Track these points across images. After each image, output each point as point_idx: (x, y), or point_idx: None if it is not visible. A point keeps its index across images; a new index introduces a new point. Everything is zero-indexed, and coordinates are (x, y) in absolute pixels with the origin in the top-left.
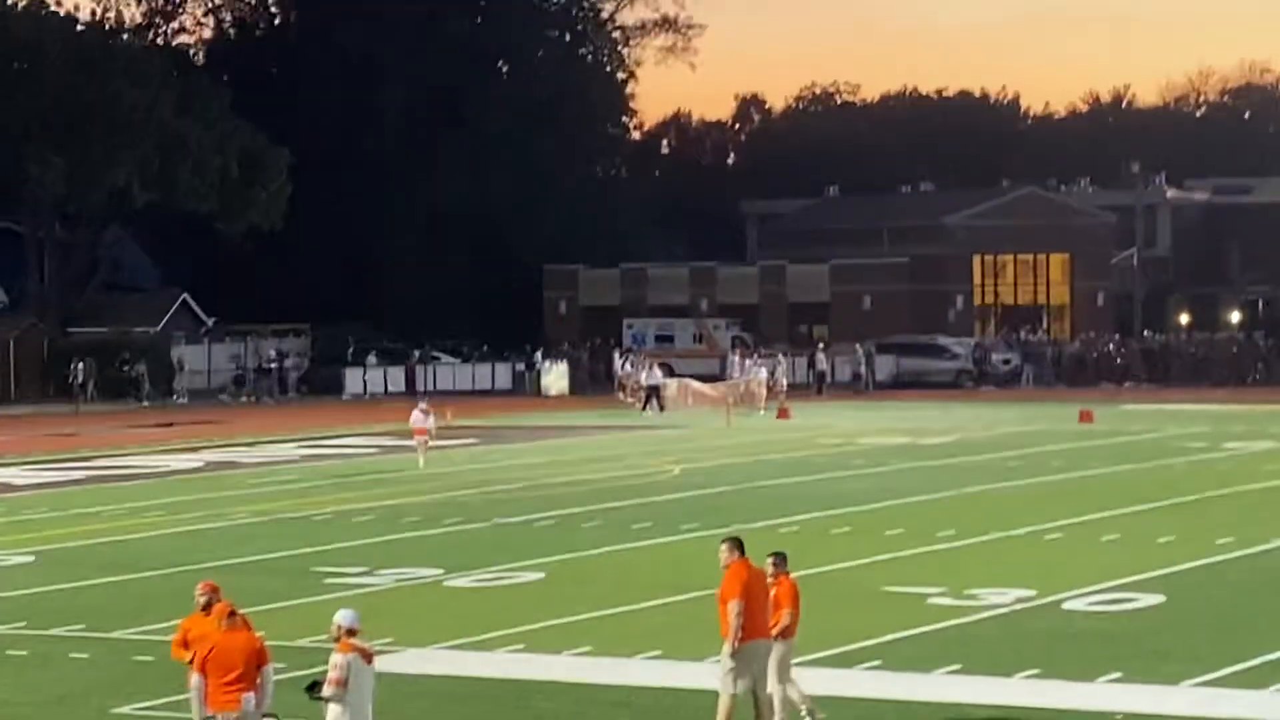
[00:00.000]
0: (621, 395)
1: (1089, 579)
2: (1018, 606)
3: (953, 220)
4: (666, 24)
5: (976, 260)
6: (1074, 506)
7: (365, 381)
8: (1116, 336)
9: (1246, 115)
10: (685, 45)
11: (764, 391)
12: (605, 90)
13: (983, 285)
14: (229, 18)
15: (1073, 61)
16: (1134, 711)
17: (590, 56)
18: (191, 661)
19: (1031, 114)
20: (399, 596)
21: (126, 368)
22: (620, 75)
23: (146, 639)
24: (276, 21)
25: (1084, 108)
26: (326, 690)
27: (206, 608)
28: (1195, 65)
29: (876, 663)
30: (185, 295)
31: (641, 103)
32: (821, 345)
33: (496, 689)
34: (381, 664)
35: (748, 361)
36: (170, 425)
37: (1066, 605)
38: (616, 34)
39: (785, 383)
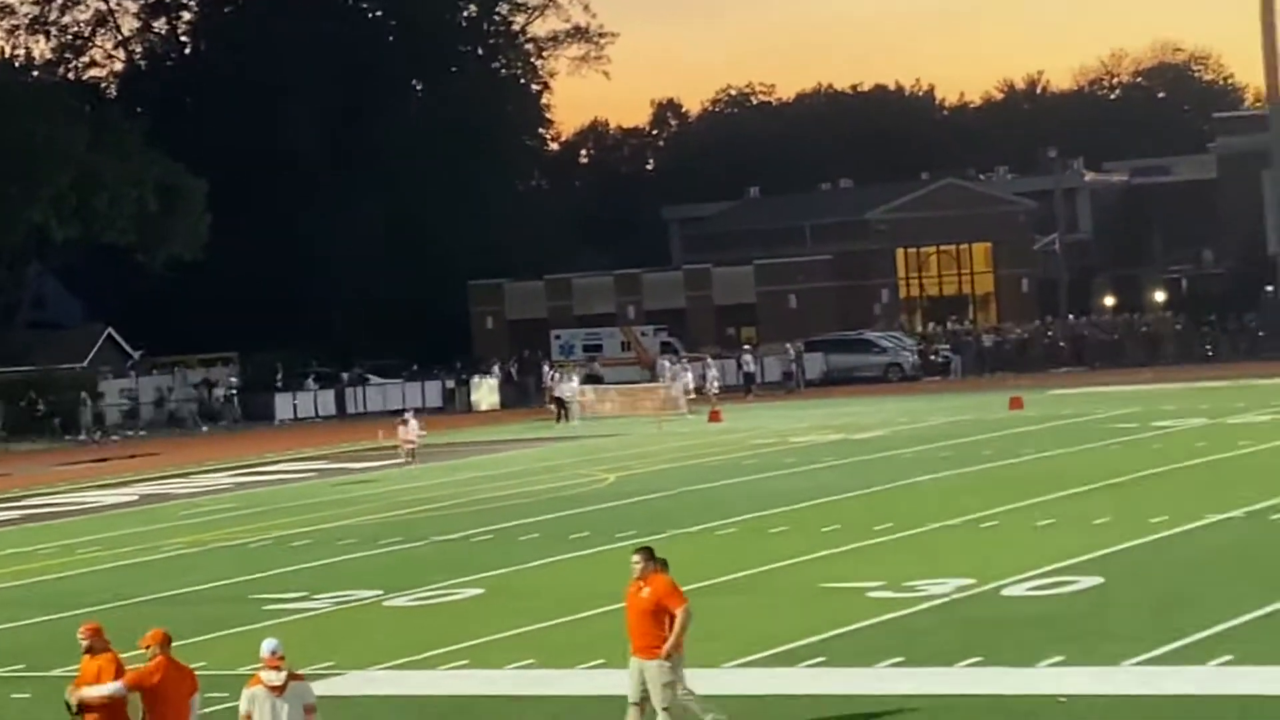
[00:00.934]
0: (551, 407)
1: (1027, 564)
2: (957, 595)
3: (874, 215)
4: (578, 34)
5: (900, 253)
6: (1008, 493)
7: (295, 406)
8: (1040, 322)
9: (1161, 95)
10: (598, 54)
11: (685, 397)
12: (521, 103)
13: (907, 278)
14: (139, 49)
15: (985, 50)
16: (1077, 693)
17: (504, 70)
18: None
19: (946, 105)
20: (339, 619)
21: (38, 408)
22: (535, 87)
23: None
24: (187, 51)
25: (999, 96)
26: None
27: (89, 650)
28: (1107, 48)
29: (819, 659)
30: (109, 329)
31: (558, 113)
32: (747, 346)
33: (441, 706)
34: (324, 688)
35: (675, 367)
36: (104, 460)
37: (1005, 591)
38: (529, 46)
39: (718, 385)
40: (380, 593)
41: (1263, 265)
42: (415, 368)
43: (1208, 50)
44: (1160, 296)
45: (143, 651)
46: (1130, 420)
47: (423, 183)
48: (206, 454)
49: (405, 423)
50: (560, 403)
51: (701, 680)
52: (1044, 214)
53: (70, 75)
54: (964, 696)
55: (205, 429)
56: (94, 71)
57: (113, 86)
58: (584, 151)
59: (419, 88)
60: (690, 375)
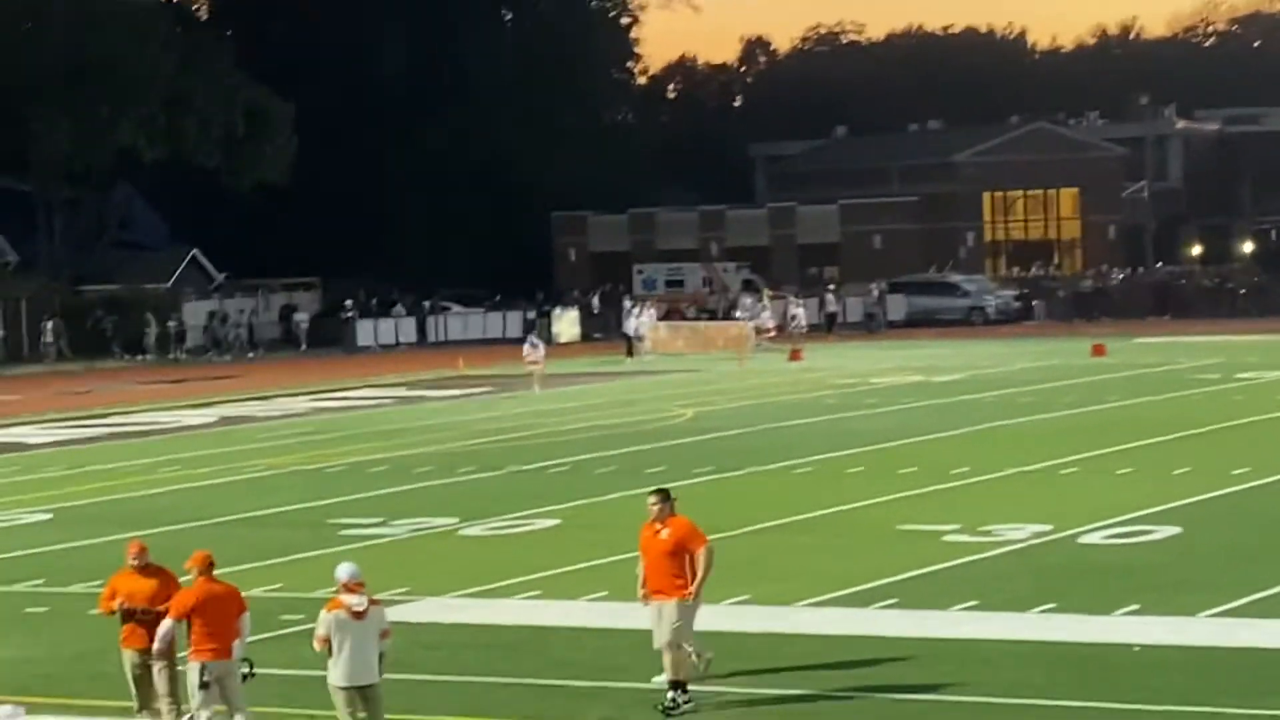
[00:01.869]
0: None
1: (1105, 513)
2: (1033, 541)
3: (961, 158)
4: None
5: (986, 197)
6: (1088, 441)
7: (376, 333)
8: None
9: (1256, 44)
10: None
11: (764, 335)
12: (610, 36)
13: (993, 222)
14: None
15: None
16: (1152, 643)
17: (594, 2)
18: (133, 612)
19: (1038, 49)
20: (414, 546)
21: (103, 327)
22: (624, 20)
23: None
24: None
25: (1091, 41)
26: (316, 646)
27: (141, 569)
28: None
29: (893, 601)
30: (195, 251)
31: (646, 47)
32: (831, 286)
33: (513, 636)
34: (397, 614)
35: (756, 305)
36: (182, 381)
37: (1082, 539)
38: None
39: (805, 324)
40: (456, 521)
41: None
42: (497, 298)
43: None
44: (1248, 248)
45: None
46: (1213, 371)
47: (509, 113)
48: (287, 378)
49: (535, 346)
50: (629, 338)
51: (774, 619)
52: (1134, 161)
53: None
54: (1038, 643)
55: (288, 352)
56: None
57: (204, 9)
58: (671, 86)
59: (508, 17)
60: (770, 313)
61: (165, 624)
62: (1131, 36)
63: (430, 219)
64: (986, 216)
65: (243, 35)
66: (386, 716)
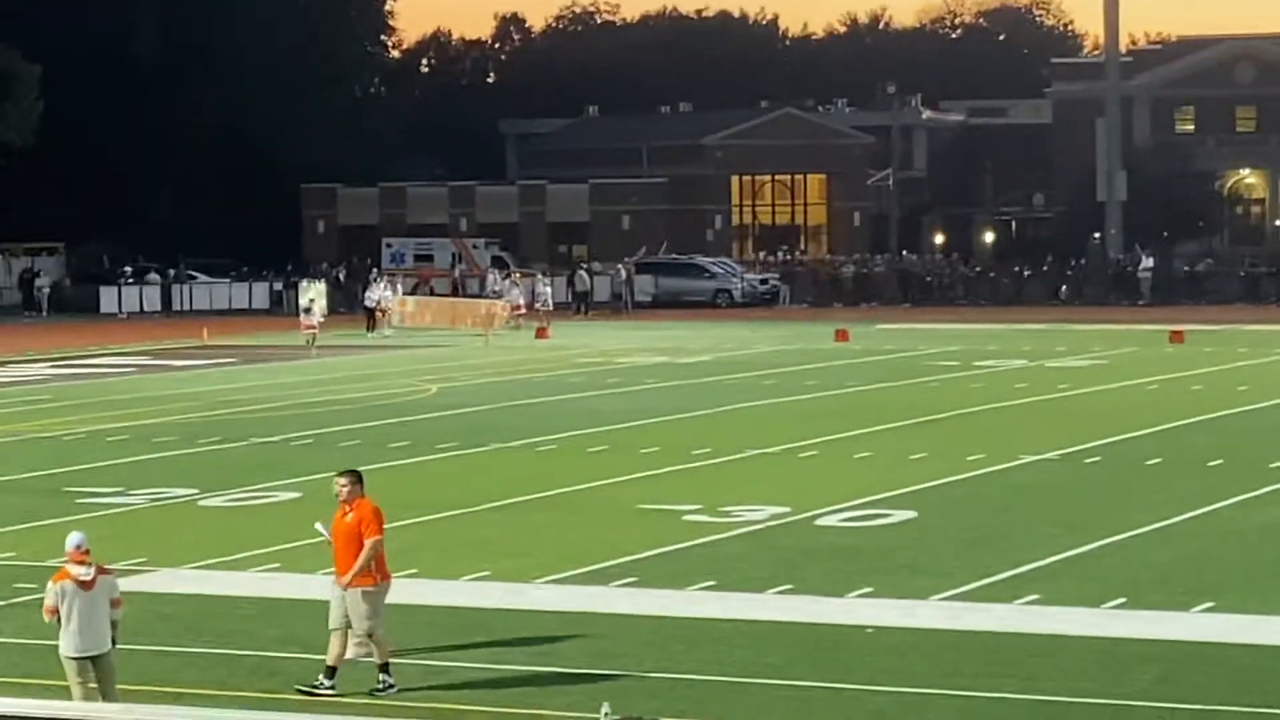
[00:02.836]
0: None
1: (842, 495)
2: (772, 523)
3: (711, 140)
4: None
5: (735, 180)
6: (828, 425)
7: (120, 301)
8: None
9: (1001, 37)
10: None
11: (505, 313)
12: (364, 8)
13: (741, 205)
14: None
15: None
16: (884, 624)
17: None
18: None
19: (790, 35)
20: (153, 516)
21: None
22: None
23: None
24: None
25: (842, 29)
26: (45, 617)
27: None
28: None
29: (632, 579)
30: None
31: (401, 21)
32: (586, 265)
33: (250, 607)
34: (133, 584)
35: (505, 282)
36: None
37: (820, 521)
38: None
39: (551, 302)
40: (196, 491)
41: (1092, 212)
42: (244, 268)
43: None
44: (989, 237)
45: None
46: (952, 359)
47: (260, 83)
48: (26, 344)
49: (307, 311)
50: (369, 311)
51: (513, 596)
52: (880, 149)
53: None
54: (773, 623)
55: (28, 317)
56: None
57: None
58: (425, 61)
59: None
60: (520, 291)
61: None
62: (881, 26)
63: (177, 187)
64: (735, 200)
65: None
66: (119, 685)
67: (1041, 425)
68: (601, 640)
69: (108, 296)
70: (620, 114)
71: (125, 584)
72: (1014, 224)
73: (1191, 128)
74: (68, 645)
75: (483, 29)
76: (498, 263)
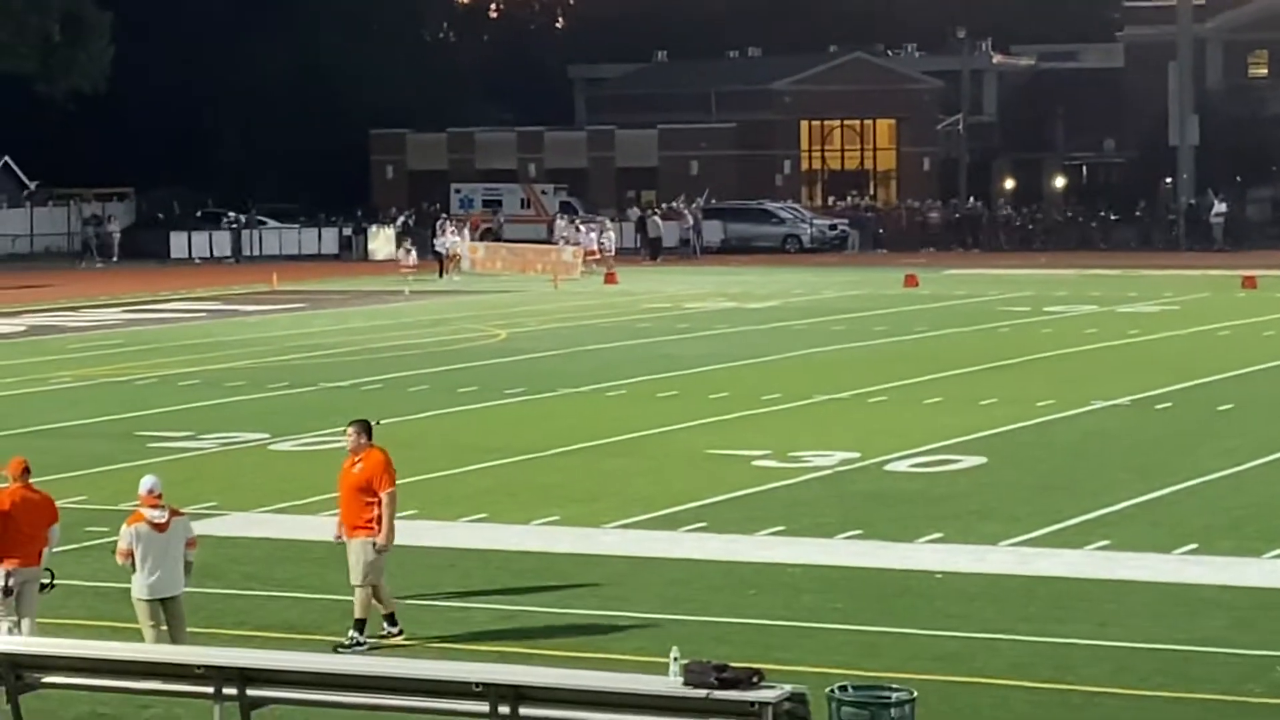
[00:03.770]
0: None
1: (912, 441)
2: (841, 468)
3: (780, 85)
4: None
5: (804, 125)
6: (898, 370)
7: (190, 246)
8: (939, 201)
9: None
10: None
11: (577, 261)
12: None
13: (809, 150)
14: None
15: None
16: (953, 570)
17: None
18: None
19: None
20: (223, 460)
21: None
22: None
23: None
24: None
25: None
26: (119, 560)
27: None
28: None
29: (701, 524)
30: (6, 159)
31: None
32: (658, 209)
33: (320, 551)
34: (205, 527)
35: (570, 227)
36: None
37: (889, 467)
38: None
39: (614, 248)
40: (266, 436)
41: (1163, 157)
42: (316, 214)
43: None
44: (1060, 183)
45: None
46: (1022, 304)
47: (329, 27)
48: (99, 289)
49: (409, 252)
50: (440, 256)
51: (582, 541)
52: (950, 94)
53: None
54: (842, 568)
55: (100, 264)
56: None
57: None
58: (494, 6)
59: None
60: (588, 236)
61: None
62: None
63: (246, 132)
64: (804, 145)
65: None
66: (189, 629)
67: (1112, 370)
68: (670, 585)
69: (178, 241)
70: (689, 59)
71: (196, 527)
72: (1084, 169)
73: (1265, 71)
74: (140, 588)
75: None
76: (566, 208)
